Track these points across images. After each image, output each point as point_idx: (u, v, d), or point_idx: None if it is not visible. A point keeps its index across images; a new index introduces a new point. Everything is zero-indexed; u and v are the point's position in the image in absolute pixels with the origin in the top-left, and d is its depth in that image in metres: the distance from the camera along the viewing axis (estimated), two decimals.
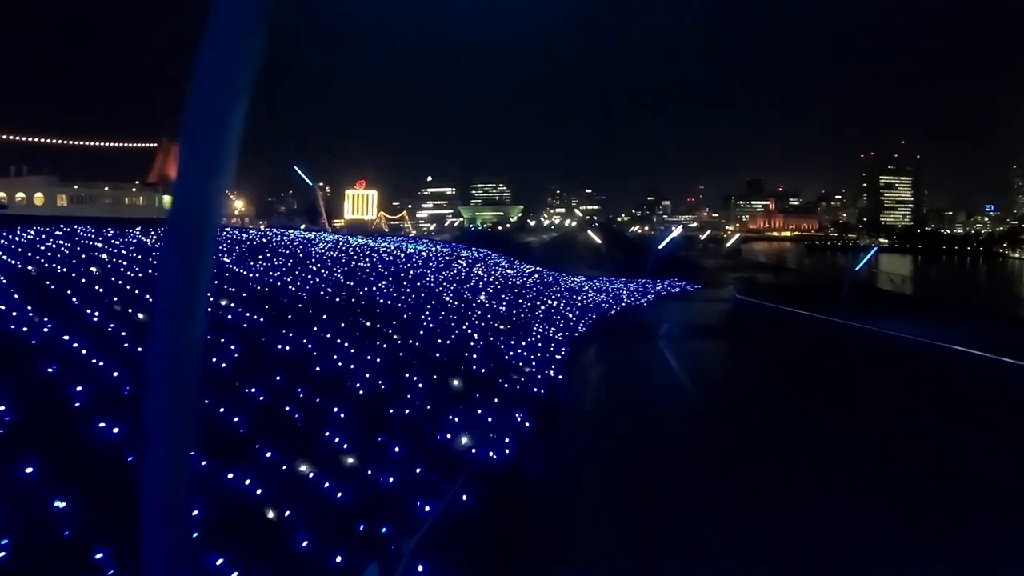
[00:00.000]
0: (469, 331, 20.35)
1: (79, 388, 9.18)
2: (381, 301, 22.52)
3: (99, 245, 25.26)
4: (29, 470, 6.82)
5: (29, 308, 12.81)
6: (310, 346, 14.15)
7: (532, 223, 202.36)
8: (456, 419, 11.15)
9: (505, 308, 27.80)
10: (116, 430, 8.12)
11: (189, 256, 3.09)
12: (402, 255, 41.61)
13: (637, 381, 18.50)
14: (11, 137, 68.72)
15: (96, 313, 13.70)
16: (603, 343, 24.71)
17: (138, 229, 30.47)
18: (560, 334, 23.89)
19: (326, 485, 8.09)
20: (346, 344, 14.89)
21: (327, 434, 9.58)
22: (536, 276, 45.75)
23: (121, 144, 79.50)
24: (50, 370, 9.75)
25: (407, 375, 13.33)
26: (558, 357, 19.25)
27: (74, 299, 14.86)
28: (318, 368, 12.74)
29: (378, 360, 14.15)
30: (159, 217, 44.44)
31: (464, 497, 8.45)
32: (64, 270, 18.67)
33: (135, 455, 6.23)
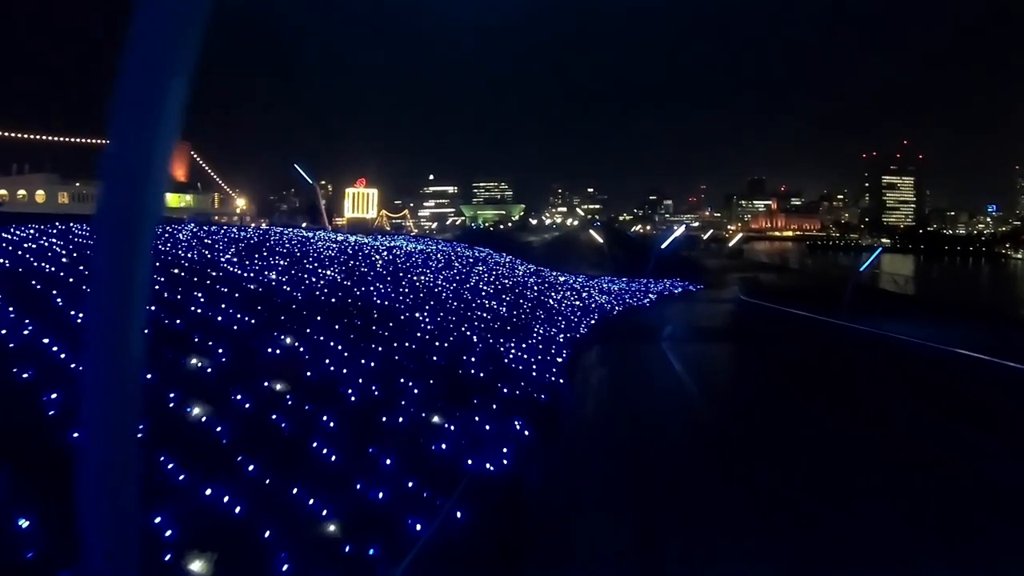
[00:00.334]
0: (468, 333, 19.91)
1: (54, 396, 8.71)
2: (379, 302, 22.08)
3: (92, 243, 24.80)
4: None
5: (11, 308, 12.36)
6: (301, 349, 13.68)
7: (534, 222, 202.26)
8: (452, 427, 10.71)
9: (506, 308, 27.36)
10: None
11: (120, 258, 2.62)
12: (401, 253, 41.16)
13: (640, 384, 18.18)
14: (13, 134, 68.55)
15: (80, 315, 13.23)
16: (605, 345, 24.27)
17: None
18: (562, 335, 23.45)
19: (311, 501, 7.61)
20: (340, 347, 14.44)
21: (315, 444, 9.11)
22: (537, 276, 45.30)
23: None
24: (25, 376, 9.28)
25: (402, 380, 12.88)
26: (559, 359, 18.84)
27: (59, 300, 14.39)
28: (309, 373, 12.28)
29: (372, 364, 13.70)
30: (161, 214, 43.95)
31: (459, 514, 7.99)
32: (53, 268, 18.23)
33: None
